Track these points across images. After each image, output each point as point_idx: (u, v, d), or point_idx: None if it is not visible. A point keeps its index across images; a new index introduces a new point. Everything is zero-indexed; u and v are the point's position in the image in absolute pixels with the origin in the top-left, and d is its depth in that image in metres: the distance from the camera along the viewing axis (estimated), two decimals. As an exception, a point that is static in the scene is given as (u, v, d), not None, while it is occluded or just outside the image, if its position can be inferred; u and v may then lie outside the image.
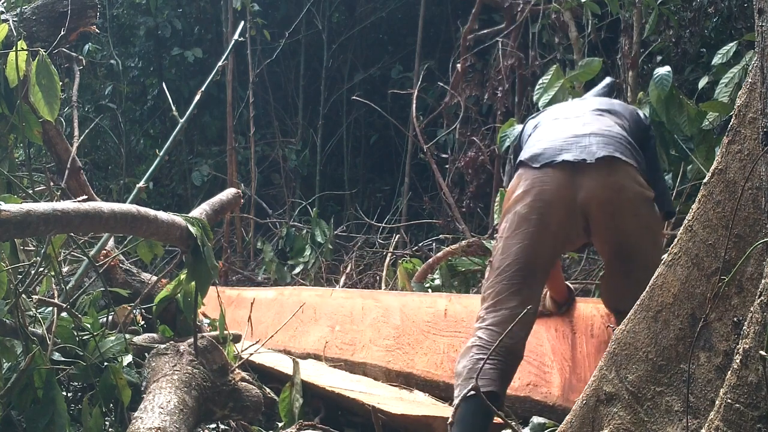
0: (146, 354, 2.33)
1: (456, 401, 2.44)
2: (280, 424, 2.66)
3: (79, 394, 2.62)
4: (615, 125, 2.72)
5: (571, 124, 2.75)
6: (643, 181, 2.58)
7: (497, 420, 2.62)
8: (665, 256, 1.91)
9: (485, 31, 5.98)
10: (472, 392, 2.35)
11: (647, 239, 2.60)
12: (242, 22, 4.52)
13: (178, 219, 2.12)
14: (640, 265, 2.53)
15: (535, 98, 4.48)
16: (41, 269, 2.33)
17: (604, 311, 2.85)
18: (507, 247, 2.60)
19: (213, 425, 2.66)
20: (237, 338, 2.90)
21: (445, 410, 2.74)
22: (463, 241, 4.78)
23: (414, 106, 6.23)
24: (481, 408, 2.35)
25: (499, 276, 2.58)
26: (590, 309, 2.90)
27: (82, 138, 3.73)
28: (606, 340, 2.74)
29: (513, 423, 2.55)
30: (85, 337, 2.32)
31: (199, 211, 2.54)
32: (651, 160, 2.75)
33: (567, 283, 3.14)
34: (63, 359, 2.26)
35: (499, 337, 2.47)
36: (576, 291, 3.16)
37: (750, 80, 1.75)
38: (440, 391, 3.18)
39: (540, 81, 4.47)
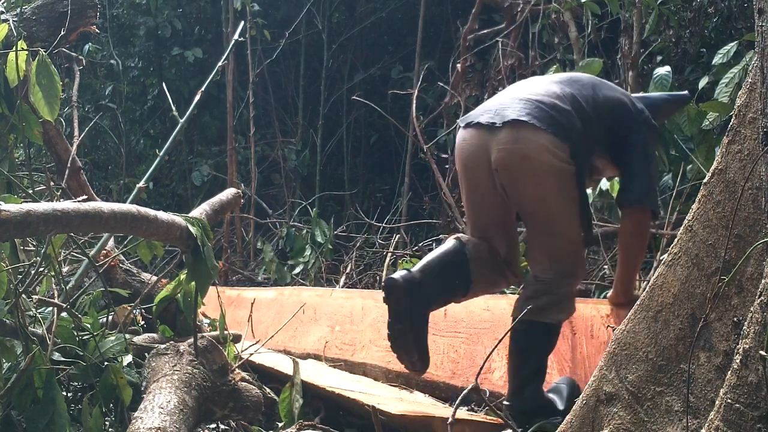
0: (146, 354, 2.32)
1: (457, 401, 2.44)
2: (280, 424, 2.66)
3: (79, 394, 2.62)
4: (557, 93, 2.63)
5: (518, 88, 2.75)
6: (561, 152, 2.51)
7: (498, 420, 2.63)
8: (665, 256, 1.91)
9: (485, 31, 5.97)
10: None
11: (554, 210, 2.58)
12: (242, 22, 4.52)
13: (178, 219, 2.12)
14: (547, 235, 2.61)
15: (535, 98, 4.47)
16: (41, 269, 2.33)
17: (604, 312, 2.85)
18: (465, 208, 2.82)
19: (213, 425, 2.66)
20: (237, 338, 2.91)
21: (445, 410, 2.74)
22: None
23: (414, 106, 6.23)
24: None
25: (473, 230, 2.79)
26: (590, 309, 2.90)
27: (82, 138, 3.73)
28: (606, 341, 2.73)
29: (513, 423, 2.55)
30: (85, 337, 2.32)
31: (199, 211, 2.54)
32: (628, 150, 2.67)
33: None
34: (63, 359, 2.26)
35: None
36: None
37: (750, 80, 1.75)
38: (440, 391, 3.18)
39: (540, 81, 4.46)
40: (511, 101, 2.63)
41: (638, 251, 2.78)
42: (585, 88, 2.69)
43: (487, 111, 2.66)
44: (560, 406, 2.63)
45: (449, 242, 2.76)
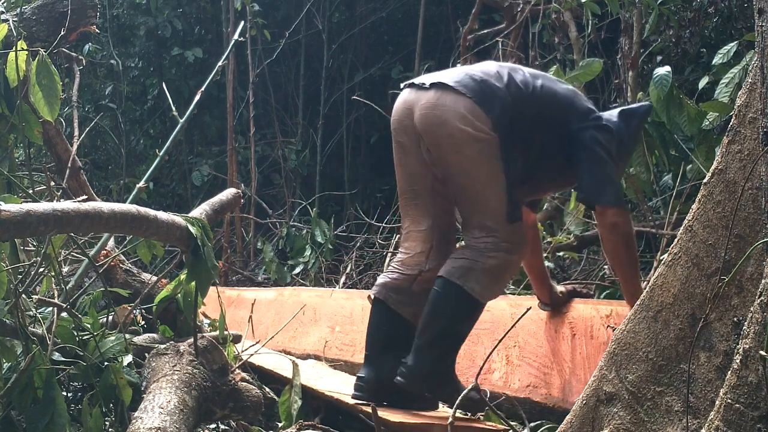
0: (146, 354, 2.32)
1: (456, 401, 2.44)
2: (280, 424, 2.66)
3: (79, 394, 2.61)
4: (494, 72, 2.66)
5: (465, 66, 2.85)
6: (480, 122, 2.55)
7: (498, 426, 2.63)
8: (665, 256, 1.91)
9: (485, 31, 5.97)
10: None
11: (475, 179, 2.61)
12: (242, 22, 4.53)
13: (178, 219, 2.12)
14: (471, 203, 2.65)
15: (535, 98, 4.47)
16: (41, 269, 2.33)
17: (603, 312, 2.84)
18: (396, 175, 2.84)
19: (213, 425, 2.66)
20: (237, 339, 2.90)
21: (444, 413, 2.74)
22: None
23: (414, 106, 6.21)
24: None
25: (399, 200, 2.86)
26: (590, 310, 2.89)
27: (82, 138, 3.72)
28: (605, 342, 2.73)
29: (514, 424, 2.55)
30: (85, 337, 2.32)
31: (199, 211, 2.54)
32: (578, 151, 2.65)
33: (558, 286, 3.09)
34: (63, 359, 2.25)
35: (404, 256, 2.79)
36: (579, 291, 3.11)
37: (750, 80, 1.75)
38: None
39: (540, 81, 4.46)
40: (448, 71, 2.73)
41: (625, 253, 2.65)
42: (528, 76, 2.72)
43: (425, 76, 2.75)
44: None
45: (373, 311, 2.84)
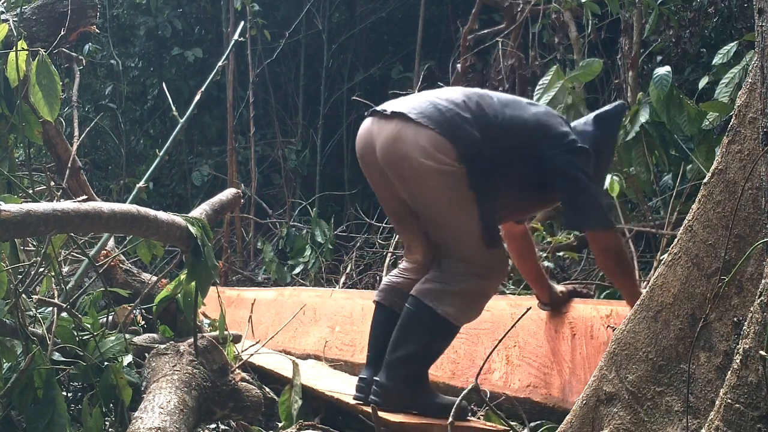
0: (146, 354, 2.32)
1: (456, 401, 2.44)
2: (280, 424, 2.66)
3: (79, 394, 2.61)
4: (460, 101, 2.57)
5: (428, 92, 2.73)
6: (443, 154, 2.47)
7: (496, 426, 2.63)
8: (665, 256, 1.91)
9: (485, 31, 5.97)
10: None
11: (444, 211, 2.56)
12: (242, 22, 4.52)
13: (178, 219, 2.12)
14: (443, 233, 2.62)
15: (535, 98, 4.48)
16: (41, 269, 2.33)
17: (603, 312, 2.84)
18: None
19: (213, 425, 2.66)
20: (237, 339, 2.90)
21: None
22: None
23: (414, 106, 6.21)
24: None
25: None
26: (590, 310, 2.89)
27: (82, 138, 3.72)
28: (605, 342, 2.73)
29: (514, 424, 2.55)
30: (85, 337, 2.32)
31: (199, 211, 2.54)
32: (555, 178, 2.60)
33: (558, 286, 3.08)
34: (63, 359, 2.25)
35: (409, 265, 2.79)
36: (579, 291, 3.11)
37: (750, 80, 1.75)
38: (440, 391, 3.16)
39: (540, 81, 4.47)
40: (413, 99, 2.66)
41: (619, 268, 2.68)
42: (497, 105, 2.63)
43: (388, 103, 2.68)
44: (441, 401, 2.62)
45: (376, 314, 2.83)
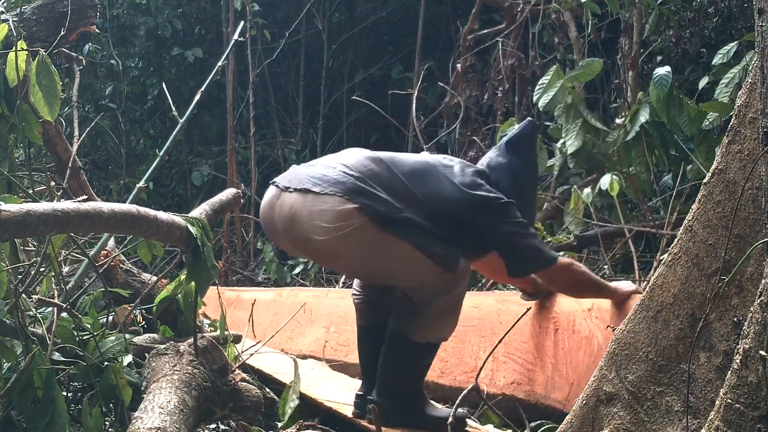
0: (146, 354, 2.32)
1: (456, 402, 2.44)
2: (280, 424, 2.66)
3: (79, 394, 2.61)
4: (367, 169, 2.46)
5: (333, 157, 2.61)
6: (343, 220, 2.34)
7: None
8: (665, 256, 1.91)
9: (485, 31, 5.98)
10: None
11: (377, 265, 2.48)
12: (242, 22, 4.53)
13: (178, 219, 2.12)
14: (391, 281, 2.60)
15: (535, 98, 4.48)
16: (41, 269, 2.33)
17: (585, 306, 2.80)
18: None
19: (213, 425, 2.66)
20: (237, 339, 2.90)
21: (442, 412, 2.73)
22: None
23: (414, 106, 6.23)
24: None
25: None
26: (572, 304, 2.84)
27: (82, 138, 3.73)
28: (587, 336, 2.72)
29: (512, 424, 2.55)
30: (85, 337, 2.32)
31: (199, 211, 2.54)
32: (485, 236, 2.54)
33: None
34: (63, 359, 2.25)
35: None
36: None
37: (750, 80, 1.75)
38: (429, 390, 3.13)
39: (540, 81, 4.47)
40: (312, 168, 2.53)
41: (581, 288, 2.67)
42: (407, 177, 2.51)
43: (286, 174, 2.58)
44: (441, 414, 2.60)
45: (359, 335, 2.79)
